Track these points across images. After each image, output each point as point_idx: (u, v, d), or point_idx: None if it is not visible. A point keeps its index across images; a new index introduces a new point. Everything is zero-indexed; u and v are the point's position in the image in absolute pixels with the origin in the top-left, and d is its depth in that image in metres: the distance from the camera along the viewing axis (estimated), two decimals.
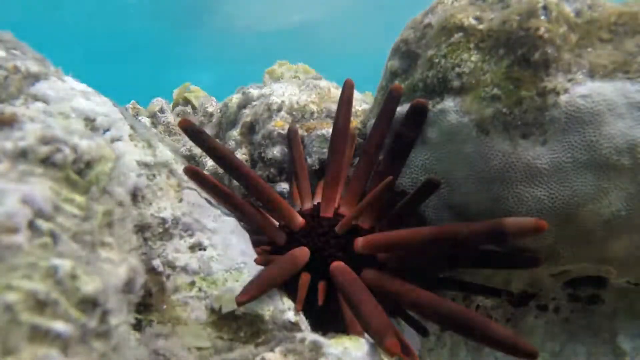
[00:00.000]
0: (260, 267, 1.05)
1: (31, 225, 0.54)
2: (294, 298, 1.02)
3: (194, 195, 1.04)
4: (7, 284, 0.49)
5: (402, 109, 1.23)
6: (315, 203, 1.29)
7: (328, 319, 1.06)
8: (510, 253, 1.12)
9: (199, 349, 0.86)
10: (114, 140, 0.96)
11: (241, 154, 1.68)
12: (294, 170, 1.38)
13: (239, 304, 0.86)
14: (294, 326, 0.95)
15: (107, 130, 0.96)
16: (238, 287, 0.92)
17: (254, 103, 1.79)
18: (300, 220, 1.16)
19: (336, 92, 1.71)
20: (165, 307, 0.88)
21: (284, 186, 1.57)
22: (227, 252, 1.00)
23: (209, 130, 1.98)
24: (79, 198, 0.62)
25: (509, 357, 0.84)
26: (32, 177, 0.58)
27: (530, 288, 1.37)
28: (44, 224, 0.55)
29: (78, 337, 0.52)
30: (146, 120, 2.68)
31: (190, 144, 1.95)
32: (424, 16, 1.26)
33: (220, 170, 1.69)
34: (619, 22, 1.05)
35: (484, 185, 1.09)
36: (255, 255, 1.07)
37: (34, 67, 0.90)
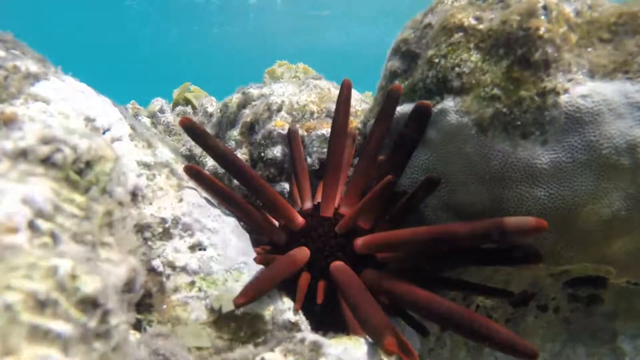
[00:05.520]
0: (261, 267, 1.05)
1: (31, 225, 0.54)
2: (294, 298, 1.02)
3: (194, 195, 1.04)
4: (7, 284, 0.49)
5: (402, 109, 1.23)
6: (316, 203, 1.29)
7: (328, 318, 1.06)
8: (511, 250, 1.12)
9: (199, 349, 0.86)
10: (114, 140, 0.96)
11: (241, 154, 1.68)
12: (294, 170, 1.38)
13: (237, 306, 0.86)
14: (294, 326, 0.95)
15: (107, 130, 0.96)
16: (238, 287, 0.92)
17: (254, 103, 1.79)
18: (300, 220, 1.16)
19: (336, 92, 1.70)
20: (165, 307, 0.88)
21: (284, 186, 1.57)
22: (227, 252, 1.00)
23: (209, 130, 1.98)
24: (79, 198, 0.62)
25: (509, 357, 0.84)
26: (32, 177, 0.58)
27: (530, 288, 1.37)
28: (44, 224, 0.55)
29: (78, 337, 0.52)
30: (146, 120, 2.68)
31: (190, 143, 1.94)
32: (424, 16, 1.26)
33: (221, 170, 1.69)
34: (619, 22, 1.05)
35: (484, 185, 1.09)
36: (255, 255, 1.07)
37: (34, 67, 0.90)
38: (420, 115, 1.15)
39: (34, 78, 0.89)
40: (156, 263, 0.90)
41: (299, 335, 0.85)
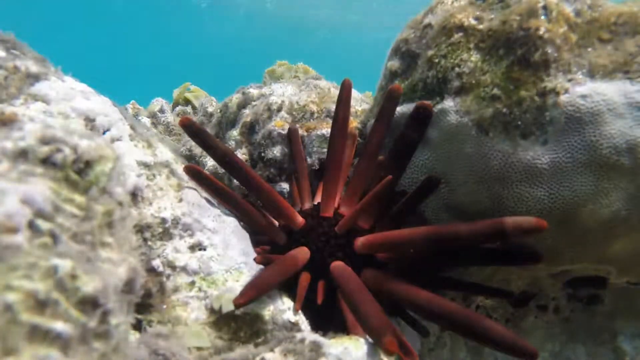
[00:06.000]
0: (261, 267, 1.05)
1: (31, 225, 0.54)
2: (294, 298, 1.02)
3: (194, 195, 1.04)
4: (7, 284, 0.49)
5: (402, 109, 1.23)
6: (316, 203, 1.29)
7: (328, 318, 1.06)
8: (511, 250, 1.12)
9: (199, 349, 0.86)
10: (114, 140, 0.96)
11: (241, 154, 1.68)
12: (294, 170, 1.38)
13: (237, 306, 0.86)
14: (294, 326, 0.95)
15: (107, 130, 0.96)
16: (238, 287, 0.92)
17: (254, 103, 1.78)
18: (300, 220, 1.16)
19: (336, 92, 1.70)
20: (165, 307, 0.88)
21: (284, 186, 1.57)
22: (227, 252, 1.00)
23: (209, 130, 1.97)
24: (79, 198, 0.62)
25: (509, 357, 0.84)
26: (32, 177, 0.58)
27: (530, 288, 1.37)
28: (44, 224, 0.55)
29: (78, 337, 0.52)
30: (146, 120, 2.68)
31: (190, 143, 1.94)
32: (424, 16, 1.26)
33: (221, 170, 1.69)
34: (619, 22, 1.05)
35: (484, 185, 1.09)
36: (255, 255, 1.07)
37: (34, 67, 0.90)
38: (421, 116, 1.14)
39: (34, 78, 0.89)
40: (156, 263, 0.90)
41: (299, 335, 0.85)
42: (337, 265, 1.07)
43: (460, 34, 1.12)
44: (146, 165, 0.97)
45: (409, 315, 1.23)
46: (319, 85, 1.74)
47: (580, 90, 1.00)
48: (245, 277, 0.98)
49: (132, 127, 1.03)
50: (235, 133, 1.75)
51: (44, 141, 0.61)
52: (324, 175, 1.23)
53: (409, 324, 1.24)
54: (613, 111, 0.98)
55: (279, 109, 1.63)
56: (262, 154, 1.59)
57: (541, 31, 1.01)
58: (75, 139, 0.64)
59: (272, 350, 0.83)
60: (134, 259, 0.69)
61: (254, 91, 1.82)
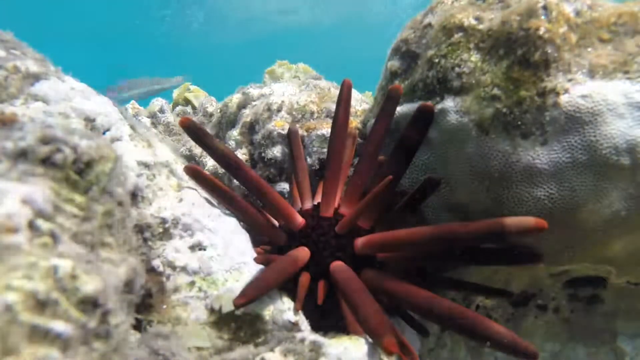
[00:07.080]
0: (261, 267, 1.05)
1: (31, 225, 0.54)
2: (294, 298, 1.02)
3: (194, 195, 1.04)
4: (7, 284, 0.49)
5: (402, 109, 1.23)
6: (316, 203, 1.29)
7: (328, 318, 1.06)
8: (511, 250, 1.12)
9: (199, 349, 0.86)
10: (114, 140, 0.96)
11: (241, 154, 1.68)
12: (294, 170, 1.38)
13: (237, 306, 0.86)
14: (294, 326, 0.95)
15: (107, 130, 0.96)
16: (238, 287, 0.92)
17: (254, 103, 1.79)
18: (300, 220, 1.16)
19: (336, 92, 1.71)
20: (165, 307, 0.88)
21: (284, 186, 1.57)
22: (227, 252, 1.00)
23: (209, 130, 1.98)
24: (79, 198, 0.62)
25: (509, 357, 0.84)
26: (32, 177, 0.58)
27: (530, 288, 1.37)
28: (44, 224, 0.55)
29: (78, 337, 0.52)
30: (146, 120, 2.68)
31: (190, 143, 1.95)
32: (424, 16, 1.26)
33: (221, 170, 1.69)
34: (619, 22, 1.05)
35: (484, 185, 1.09)
36: (255, 255, 1.07)
37: (34, 67, 0.90)
38: (423, 117, 1.14)
39: (34, 78, 0.89)
40: (156, 263, 0.90)
41: (299, 335, 0.85)
42: (337, 265, 1.07)
43: (461, 34, 1.12)
44: (146, 165, 0.97)
45: (409, 315, 1.23)
46: (319, 85, 1.74)
47: (580, 90, 1.00)
48: (245, 277, 0.98)
49: (132, 127, 1.03)
50: (235, 133, 1.75)
51: (44, 141, 0.61)
52: (324, 176, 1.23)
53: (409, 324, 1.24)
54: (613, 111, 0.98)
55: (279, 109, 1.63)
56: (262, 154, 1.59)
57: (541, 31, 1.01)
58: (76, 139, 0.64)
59: (272, 350, 0.83)
60: (134, 259, 0.69)
61: (254, 91, 1.82)
